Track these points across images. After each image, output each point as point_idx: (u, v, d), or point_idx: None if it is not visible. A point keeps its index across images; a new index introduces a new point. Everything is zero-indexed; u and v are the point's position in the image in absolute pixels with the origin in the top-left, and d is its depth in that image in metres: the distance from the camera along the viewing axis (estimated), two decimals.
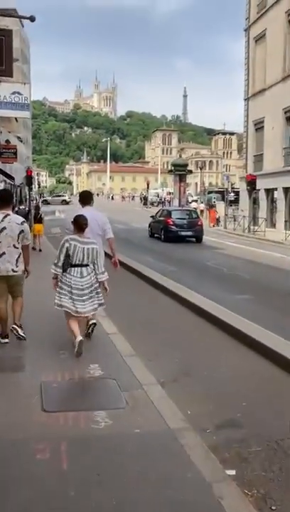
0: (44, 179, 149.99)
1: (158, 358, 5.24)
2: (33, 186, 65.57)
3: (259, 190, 24.96)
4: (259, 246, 17.86)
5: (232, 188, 44.28)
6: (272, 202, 24.44)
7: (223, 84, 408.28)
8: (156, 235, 19.56)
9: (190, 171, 42.86)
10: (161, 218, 18.68)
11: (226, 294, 8.54)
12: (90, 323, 5.36)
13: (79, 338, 4.82)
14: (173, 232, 17.53)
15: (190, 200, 48.99)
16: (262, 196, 25.14)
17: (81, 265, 4.92)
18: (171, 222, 17.57)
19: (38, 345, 5.35)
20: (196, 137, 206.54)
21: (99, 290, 5.13)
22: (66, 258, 4.88)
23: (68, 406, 3.91)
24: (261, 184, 24.48)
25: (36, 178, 60.13)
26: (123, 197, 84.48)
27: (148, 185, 56.50)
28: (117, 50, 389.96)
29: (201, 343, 5.87)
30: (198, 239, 17.96)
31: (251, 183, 23.89)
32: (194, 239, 18.01)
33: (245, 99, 27.67)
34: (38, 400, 3.96)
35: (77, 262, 4.90)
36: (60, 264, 4.91)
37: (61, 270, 4.92)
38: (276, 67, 23.25)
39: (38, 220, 14.56)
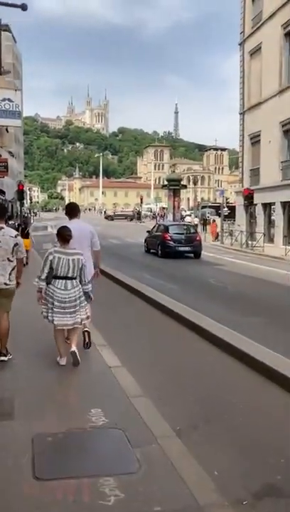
0: (36, 194, 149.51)
1: (170, 398, 4.47)
2: (25, 201, 65.17)
3: (255, 204, 24.49)
4: (260, 262, 17.23)
5: (227, 203, 43.93)
6: (270, 216, 23.95)
7: (214, 100, 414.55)
8: (152, 251, 18.87)
9: (185, 186, 42.48)
10: (158, 233, 18.01)
11: (237, 316, 7.78)
12: (84, 330, 5.29)
13: (63, 361, 4.93)
14: (171, 247, 16.86)
15: (183, 215, 48.52)
16: (259, 211, 24.65)
17: (66, 277, 4.85)
18: (169, 238, 16.90)
19: (29, 373, 4.88)
20: (187, 153, 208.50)
21: (84, 304, 5.03)
22: (50, 270, 4.82)
23: (66, 470, 3.10)
24: (258, 199, 24.02)
25: (28, 193, 59.44)
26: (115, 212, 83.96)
27: (141, 200, 56.09)
28: (109, 67, 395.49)
29: (220, 378, 5.07)
30: (196, 254, 17.28)
31: (249, 198, 23.41)
32: (192, 254, 17.33)
33: (241, 113, 27.38)
34: (28, 460, 3.17)
35: (62, 275, 4.84)
36: (43, 277, 4.84)
37: (45, 283, 4.85)
38: (272, 81, 23.00)
39: (25, 235, 14.76)
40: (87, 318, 5.19)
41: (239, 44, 27.19)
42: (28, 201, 70.93)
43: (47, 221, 50.32)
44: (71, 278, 4.88)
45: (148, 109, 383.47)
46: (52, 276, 4.84)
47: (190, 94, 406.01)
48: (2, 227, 5.10)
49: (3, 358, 5.06)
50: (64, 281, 4.85)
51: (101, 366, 5.10)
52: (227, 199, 41.47)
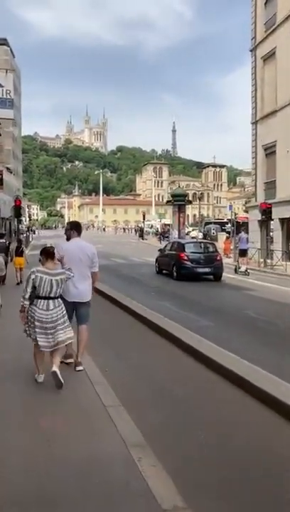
0: (35, 212, 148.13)
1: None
2: (24, 219, 63.33)
3: (272, 219, 22.52)
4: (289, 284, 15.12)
5: (236, 217, 41.93)
6: (288, 232, 21.95)
7: (211, 118, 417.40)
8: (164, 271, 16.78)
9: (190, 202, 40.65)
10: (172, 252, 15.92)
11: None
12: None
13: (40, 378, 4.85)
14: (188, 268, 14.75)
15: (186, 232, 46.49)
16: (276, 226, 22.66)
17: (48, 298, 4.79)
18: (185, 257, 14.81)
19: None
20: (186, 170, 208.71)
21: (66, 324, 4.91)
22: (33, 290, 4.78)
23: None
24: (275, 213, 22.05)
25: (27, 210, 57.64)
26: (116, 228, 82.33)
27: (144, 216, 54.22)
28: (107, 87, 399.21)
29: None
30: (217, 277, 15.11)
31: (267, 212, 21.44)
32: (212, 276, 15.21)
33: (253, 123, 25.67)
34: None
35: (44, 295, 4.78)
36: (26, 296, 4.80)
37: (28, 302, 4.81)
38: (288, 86, 21.31)
39: (20, 253, 14.31)
40: (70, 338, 5.04)
41: (251, 50, 25.67)
42: (27, 219, 69.08)
43: (46, 239, 48.33)
44: (53, 298, 4.82)
45: (146, 128, 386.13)
46: (34, 296, 4.80)
47: (188, 113, 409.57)
48: None
49: None
50: (46, 301, 4.79)
51: (95, 404, 4.20)
52: (235, 214, 39.51)
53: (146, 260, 24.04)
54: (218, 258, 15.24)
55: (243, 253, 18.60)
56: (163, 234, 47.21)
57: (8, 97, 11.33)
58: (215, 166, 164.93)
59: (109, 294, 11.14)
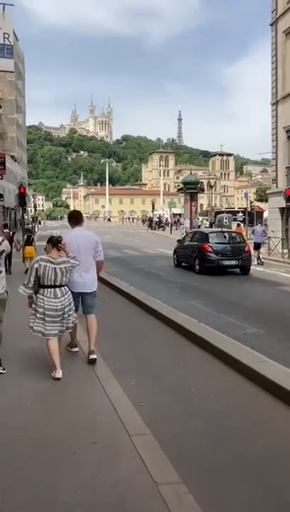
0: (41, 203, 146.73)
1: None
2: (29, 208, 61.85)
3: None
4: None
5: (251, 206, 40.33)
6: None
7: (216, 107, 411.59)
8: (184, 264, 15.28)
9: (202, 189, 38.90)
10: (194, 243, 14.37)
11: None
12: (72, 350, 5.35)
13: (59, 374, 4.65)
14: (213, 261, 13.21)
15: (199, 221, 44.79)
16: None
17: (54, 286, 4.72)
18: (210, 249, 13.26)
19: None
20: (192, 159, 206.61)
21: (71, 312, 4.89)
22: (37, 279, 4.71)
23: None
24: None
25: (32, 200, 56.19)
26: (123, 218, 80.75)
27: (153, 206, 52.49)
28: (112, 75, 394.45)
29: None
30: (245, 270, 13.58)
31: None
32: (238, 269, 13.68)
33: (273, 104, 23.89)
34: None
35: (49, 283, 4.71)
36: (30, 285, 4.73)
37: (31, 291, 4.77)
38: None
39: (30, 243, 14.27)
40: (74, 325, 5.10)
41: (271, 25, 23.76)
42: (33, 209, 67.64)
43: (52, 229, 46.93)
44: (59, 286, 4.77)
45: (152, 117, 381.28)
46: (39, 285, 4.72)
47: (193, 102, 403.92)
48: None
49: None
50: (53, 289, 4.74)
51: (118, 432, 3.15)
52: (251, 203, 37.83)
53: (160, 252, 22.55)
54: (246, 249, 13.63)
55: (257, 246, 17.22)
56: (176, 224, 45.52)
57: (7, 42, 9.58)
58: (222, 154, 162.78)
59: (128, 293, 9.71)
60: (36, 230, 41.64)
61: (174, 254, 16.07)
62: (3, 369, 4.91)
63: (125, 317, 7.95)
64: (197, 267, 13.60)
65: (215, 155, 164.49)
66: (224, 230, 15.86)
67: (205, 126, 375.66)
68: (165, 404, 4.21)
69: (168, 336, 6.65)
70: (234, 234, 15.08)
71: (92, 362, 5.11)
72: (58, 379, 4.62)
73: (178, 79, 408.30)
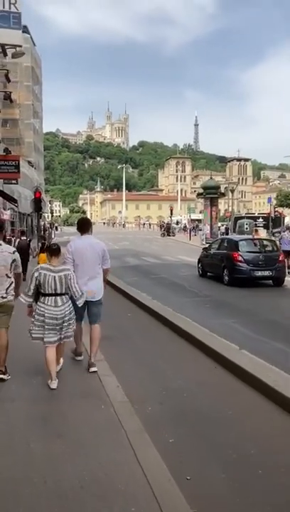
0: (58, 209, 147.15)
1: None
2: (46, 214, 61.36)
3: None
4: None
5: (276, 212, 38.94)
6: None
7: (233, 113, 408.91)
8: (209, 274, 14.11)
9: (223, 194, 37.72)
10: (222, 251, 13.16)
11: None
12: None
13: (54, 385, 4.56)
14: (244, 271, 11.99)
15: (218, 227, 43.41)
16: None
17: (55, 294, 4.72)
18: (240, 258, 12.04)
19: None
20: (208, 165, 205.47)
21: (70, 322, 4.84)
22: (37, 287, 4.74)
23: None
24: None
25: (49, 205, 55.71)
26: (140, 224, 79.84)
27: (171, 211, 51.45)
28: (129, 82, 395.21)
29: None
30: (279, 281, 12.26)
31: None
32: (271, 281, 12.42)
33: None
34: None
35: (50, 291, 4.71)
36: (30, 293, 4.77)
37: (31, 299, 4.78)
38: None
39: (44, 250, 13.21)
40: (68, 337, 4.92)
41: None
42: (50, 215, 67.25)
43: (69, 235, 46.24)
44: (60, 294, 4.75)
45: (168, 123, 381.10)
46: (40, 294, 4.74)
47: (210, 107, 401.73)
48: (0, 244, 5.02)
49: (1, 377, 4.83)
50: (54, 298, 4.73)
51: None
52: (275, 208, 36.46)
53: (182, 259, 21.40)
54: (280, 259, 12.36)
55: (288, 254, 15.71)
56: (194, 229, 44.31)
57: (13, 9, 8.13)
58: (239, 159, 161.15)
59: (153, 309, 8.60)
60: (53, 236, 40.99)
61: (199, 263, 14.88)
62: (8, 375, 4.90)
63: (153, 341, 6.84)
64: (226, 277, 12.38)
65: (232, 160, 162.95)
66: (254, 237, 14.56)
67: (221, 131, 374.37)
68: (219, 481, 3.08)
69: (208, 368, 5.51)
70: (266, 242, 13.81)
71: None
72: (53, 389, 4.54)
73: (195, 84, 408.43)
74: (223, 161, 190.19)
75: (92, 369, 5.05)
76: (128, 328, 7.63)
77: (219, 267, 12.97)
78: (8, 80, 24.82)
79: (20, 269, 5.18)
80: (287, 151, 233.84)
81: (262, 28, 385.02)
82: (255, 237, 17.43)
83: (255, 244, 12.96)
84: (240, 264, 12.05)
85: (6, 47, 14.77)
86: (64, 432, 3.63)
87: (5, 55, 18.16)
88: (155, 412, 4.17)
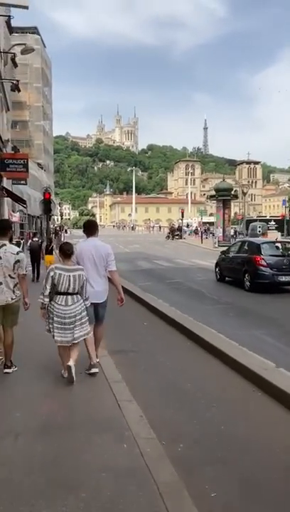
0: (67, 212, 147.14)
1: None
2: (56, 217, 60.89)
3: None
4: None
5: None
6: None
7: (242, 116, 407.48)
8: (228, 279, 13.32)
9: (236, 196, 36.85)
10: (242, 255, 12.36)
11: None
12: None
13: (69, 363, 4.67)
14: (267, 276, 11.17)
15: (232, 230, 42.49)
16: None
17: (67, 293, 4.77)
18: (264, 262, 11.23)
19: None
20: (218, 168, 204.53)
21: (81, 321, 4.81)
22: (53, 287, 4.76)
23: None
24: None
25: (58, 207, 55.24)
26: (149, 227, 79.10)
27: (182, 214, 50.66)
28: (138, 85, 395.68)
29: None
30: None
31: None
32: None
33: None
34: None
35: (63, 290, 4.76)
36: (46, 293, 4.78)
37: (48, 299, 4.78)
38: None
39: (50, 251, 14.53)
40: (87, 333, 4.94)
41: None
42: (59, 218, 66.81)
43: (78, 238, 45.68)
44: (72, 294, 4.78)
45: (177, 126, 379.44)
46: (54, 292, 4.76)
47: (219, 111, 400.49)
48: (4, 244, 5.12)
49: (7, 371, 5.07)
50: (64, 296, 4.77)
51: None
52: None
53: (196, 263, 20.61)
54: None
55: None
56: (205, 232, 43.49)
57: None
58: (249, 162, 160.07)
59: (173, 318, 7.84)
60: (63, 239, 40.48)
61: (216, 266, 14.08)
62: (15, 367, 5.13)
63: (176, 356, 6.07)
64: (248, 283, 11.57)
65: (241, 163, 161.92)
66: (277, 240, 13.72)
67: (230, 134, 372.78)
68: None
69: (243, 390, 4.74)
70: (289, 245, 12.97)
71: (93, 375, 5.02)
72: (68, 367, 4.64)
73: (204, 88, 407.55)
74: (232, 164, 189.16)
75: (94, 370, 5.06)
76: (145, 340, 6.87)
77: (239, 271, 12.16)
78: (15, 65, 24.28)
79: (23, 271, 5.16)
80: None
81: (271, 32, 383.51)
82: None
83: (278, 248, 12.15)
84: (263, 268, 11.23)
85: (12, 7, 14.16)
86: (75, 485, 2.87)
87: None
88: (189, 454, 3.41)
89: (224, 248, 17.10)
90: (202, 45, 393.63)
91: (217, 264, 14.04)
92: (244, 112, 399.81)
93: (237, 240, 18.77)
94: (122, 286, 12.15)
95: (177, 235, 47.26)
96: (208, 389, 4.76)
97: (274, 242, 12.63)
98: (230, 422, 3.94)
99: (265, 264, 11.23)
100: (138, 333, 7.34)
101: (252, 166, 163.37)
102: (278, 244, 12.39)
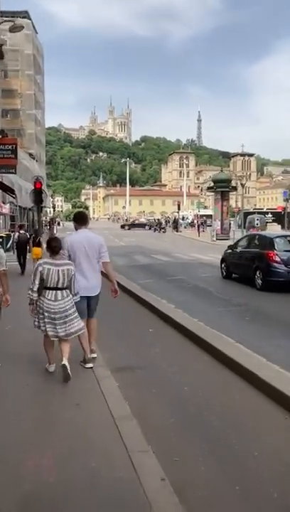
0: (60, 204, 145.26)
1: None
2: (48, 209, 59.38)
3: None
4: None
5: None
6: None
7: (236, 108, 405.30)
8: (235, 276, 12.28)
9: (235, 188, 35.76)
10: (253, 250, 11.28)
11: None
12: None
13: (51, 368, 4.77)
14: (282, 273, 10.05)
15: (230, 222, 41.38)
16: None
17: (56, 288, 4.69)
18: (277, 258, 10.18)
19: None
20: (211, 160, 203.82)
21: (71, 318, 4.70)
22: (41, 282, 4.68)
23: None
24: None
25: (51, 199, 53.84)
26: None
27: (179, 206, 49.56)
28: (131, 77, 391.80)
29: None
30: None
31: None
32: None
33: None
34: None
35: (52, 285, 4.67)
36: (35, 288, 4.68)
37: (37, 294, 4.69)
38: None
39: (37, 243, 14.19)
40: (81, 329, 4.81)
41: None
42: (52, 210, 65.33)
43: (71, 231, 44.38)
44: (61, 288, 4.70)
45: (171, 118, 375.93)
46: (43, 288, 4.68)
47: (213, 103, 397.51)
48: None
49: None
50: (54, 291, 4.68)
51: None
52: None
53: (196, 257, 19.56)
54: None
55: None
56: (202, 225, 42.49)
57: None
58: (243, 154, 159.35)
59: (181, 324, 6.79)
60: (55, 231, 39.21)
61: (222, 262, 13.01)
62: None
63: (193, 375, 5.01)
64: (259, 281, 10.49)
65: (236, 155, 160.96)
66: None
67: (224, 126, 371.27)
68: None
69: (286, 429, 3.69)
70: None
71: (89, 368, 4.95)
72: (64, 366, 4.51)
73: (198, 79, 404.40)
74: (226, 156, 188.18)
75: (89, 365, 4.96)
76: (153, 352, 5.82)
77: (249, 268, 11.09)
78: (2, 56, 22.97)
79: (3, 267, 5.05)
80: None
81: (266, 24, 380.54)
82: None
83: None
84: (277, 265, 10.17)
85: None
86: None
87: None
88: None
89: (223, 242, 16.09)
90: (196, 37, 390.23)
91: (223, 260, 12.97)
92: (238, 104, 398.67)
93: (247, 233, 17.66)
94: (121, 285, 11.06)
95: (163, 228, 46.55)
96: (245, 428, 3.69)
97: (287, 236, 11.56)
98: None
99: (279, 260, 10.17)
100: (143, 342, 6.28)
101: (247, 158, 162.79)
102: None
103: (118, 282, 11.75)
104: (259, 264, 10.62)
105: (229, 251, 12.74)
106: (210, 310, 8.45)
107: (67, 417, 3.76)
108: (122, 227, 55.22)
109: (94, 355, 5.21)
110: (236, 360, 4.97)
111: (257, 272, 10.61)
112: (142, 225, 55.71)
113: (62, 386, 4.47)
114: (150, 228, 51.41)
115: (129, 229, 52.19)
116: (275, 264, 10.19)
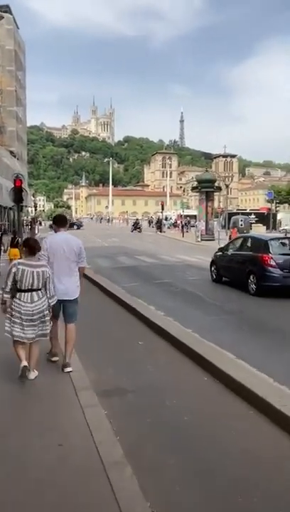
0: (42, 203, 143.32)
1: None
2: (30, 209, 58.04)
3: None
4: None
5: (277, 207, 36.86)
6: None
7: (219, 109, 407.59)
8: (225, 279, 11.70)
9: (219, 188, 35.35)
10: (246, 253, 10.68)
11: None
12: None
13: (24, 363, 4.56)
14: (277, 278, 9.50)
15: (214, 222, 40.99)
16: None
17: (31, 290, 4.59)
18: (272, 262, 9.63)
19: None
20: (194, 161, 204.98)
21: (47, 319, 4.71)
22: (14, 283, 4.57)
23: None
24: None
25: (32, 198, 52.58)
26: (128, 220, 77.16)
27: (162, 207, 48.99)
28: (114, 76, 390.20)
29: None
30: None
31: None
32: None
33: None
34: None
35: (27, 287, 4.58)
36: (7, 289, 4.58)
37: (9, 296, 4.59)
38: None
39: (15, 244, 13.98)
40: (43, 335, 4.77)
41: None
42: (33, 209, 63.99)
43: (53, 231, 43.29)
44: (36, 290, 4.62)
45: (154, 118, 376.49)
46: (16, 290, 4.58)
47: (196, 104, 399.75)
48: None
49: None
50: (29, 293, 4.59)
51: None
52: (277, 203, 34.32)
53: (181, 259, 18.96)
54: None
55: None
56: (186, 225, 41.99)
57: None
58: (225, 156, 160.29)
59: (174, 336, 6.16)
60: (36, 231, 38.17)
61: (212, 265, 12.42)
62: None
63: (194, 403, 4.39)
64: (253, 286, 9.92)
65: (218, 156, 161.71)
66: (287, 236, 12.12)
67: (206, 127, 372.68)
68: None
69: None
70: None
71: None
72: (24, 367, 4.47)
73: (181, 80, 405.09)
74: (208, 157, 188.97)
75: (67, 369, 4.90)
76: (144, 370, 5.15)
77: (241, 271, 10.51)
78: None
79: None
80: (272, 149, 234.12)
81: (249, 25, 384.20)
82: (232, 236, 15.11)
83: (285, 244, 10.52)
84: (272, 269, 9.60)
85: None
86: None
87: None
88: None
89: (207, 242, 15.42)
90: (179, 37, 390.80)
91: (212, 263, 12.37)
92: (221, 105, 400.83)
93: (239, 235, 17.12)
94: (106, 289, 10.38)
95: (139, 227, 45.84)
96: (267, 473, 3.05)
97: (280, 239, 11.00)
98: None
99: (274, 264, 9.61)
100: (133, 358, 5.62)
101: (229, 159, 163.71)
102: (286, 241, 10.76)
103: (102, 286, 11.29)
104: (252, 268, 10.05)
105: (220, 253, 12.15)
106: (203, 318, 7.84)
107: (46, 465, 3.05)
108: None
109: (70, 369, 4.91)
110: (248, 386, 4.26)
111: (251, 277, 10.04)
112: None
113: (41, 419, 3.77)
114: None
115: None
116: (270, 268, 9.63)
